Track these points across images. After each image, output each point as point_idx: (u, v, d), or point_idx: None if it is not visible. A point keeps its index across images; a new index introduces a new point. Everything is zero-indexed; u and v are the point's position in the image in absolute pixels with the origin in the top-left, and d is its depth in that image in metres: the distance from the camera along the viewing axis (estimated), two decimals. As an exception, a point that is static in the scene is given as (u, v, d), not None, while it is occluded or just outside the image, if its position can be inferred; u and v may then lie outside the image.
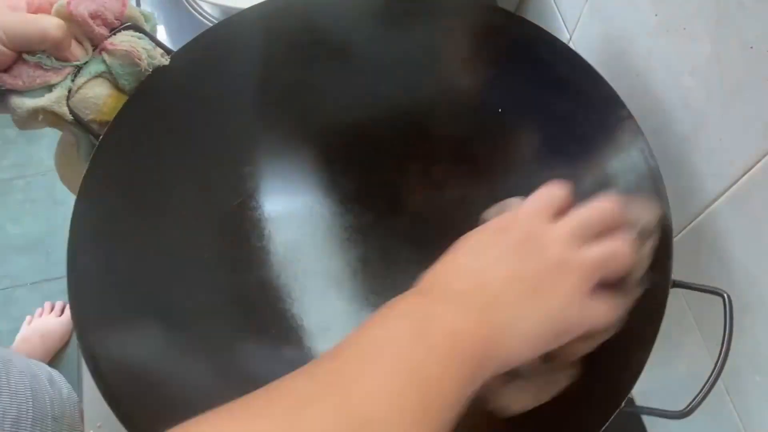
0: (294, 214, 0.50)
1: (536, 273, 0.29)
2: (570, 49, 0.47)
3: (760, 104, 0.36)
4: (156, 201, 0.45)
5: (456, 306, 0.27)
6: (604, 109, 0.44)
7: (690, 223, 0.44)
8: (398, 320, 0.26)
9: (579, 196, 0.45)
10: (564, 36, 0.59)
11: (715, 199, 0.41)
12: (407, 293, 0.29)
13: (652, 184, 0.41)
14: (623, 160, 0.43)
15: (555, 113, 0.47)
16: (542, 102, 0.48)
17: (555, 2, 0.61)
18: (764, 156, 0.36)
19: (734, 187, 0.39)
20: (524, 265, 0.29)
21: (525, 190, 0.48)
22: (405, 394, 0.22)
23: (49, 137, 1.45)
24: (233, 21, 0.48)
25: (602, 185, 0.44)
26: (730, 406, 0.44)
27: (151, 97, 0.45)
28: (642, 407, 0.37)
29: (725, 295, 0.37)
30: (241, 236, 0.49)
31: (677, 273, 0.47)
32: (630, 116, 0.43)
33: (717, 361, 0.35)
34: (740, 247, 0.40)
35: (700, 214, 0.43)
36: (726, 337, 0.36)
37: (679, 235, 0.46)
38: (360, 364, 0.23)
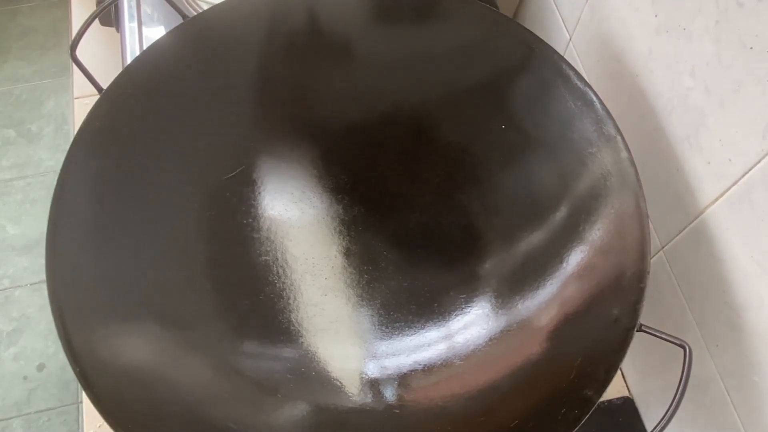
0: (284, 195, 0.50)
1: None
2: (562, 59, 0.47)
3: (760, 105, 0.36)
4: (142, 191, 0.45)
5: None
6: (593, 121, 0.45)
7: (690, 223, 0.44)
8: None
9: (571, 199, 0.46)
10: (564, 36, 0.59)
11: (716, 200, 0.41)
12: None
13: (632, 193, 0.42)
14: (609, 169, 0.44)
15: (548, 119, 0.48)
16: (536, 107, 0.48)
17: (555, 3, 0.61)
18: (764, 156, 0.36)
19: (734, 187, 0.39)
20: None
21: (515, 198, 0.49)
22: None
23: (49, 137, 1.45)
24: (224, 8, 0.48)
25: (591, 183, 0.44)
26: (730, 406, 0.44)
27: (140, 77, 0.45)
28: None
29: (686, 347, 0.38)
30: (228, 211, 0.48)
31: (677, 273, 0.47)
32: (617, 132, 0.43)
33: (669, 408, 0.36)
34: (739, 247, 0.40)
35: (700, 215, 0.43)
36: (681, 386, 0.36)
37: (680, 235, 0.46)
38: None
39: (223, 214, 0.48)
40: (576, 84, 0.46)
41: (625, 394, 0.57)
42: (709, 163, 0.41)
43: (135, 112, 0.46)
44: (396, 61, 0.52)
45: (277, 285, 0.47)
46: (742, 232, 0.40)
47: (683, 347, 0.38)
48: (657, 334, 0.38)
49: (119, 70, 0.46)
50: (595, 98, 0.45)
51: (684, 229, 0.45)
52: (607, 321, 0.40)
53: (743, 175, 0.38)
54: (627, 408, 0.56)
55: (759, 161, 0.37)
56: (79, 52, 0.45)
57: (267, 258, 0.48)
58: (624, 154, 0.43)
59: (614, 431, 0.55)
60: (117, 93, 0.45)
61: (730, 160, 0.39)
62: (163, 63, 0.47)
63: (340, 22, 0.51)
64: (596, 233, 0.44)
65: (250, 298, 0.46)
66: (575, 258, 0.45)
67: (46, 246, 0.39)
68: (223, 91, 0.49)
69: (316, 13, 0.50)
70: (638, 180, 0.42)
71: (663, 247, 0.48)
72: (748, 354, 0.41)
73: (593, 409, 0.37)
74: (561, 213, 0.47)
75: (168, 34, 0.47)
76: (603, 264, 0.43)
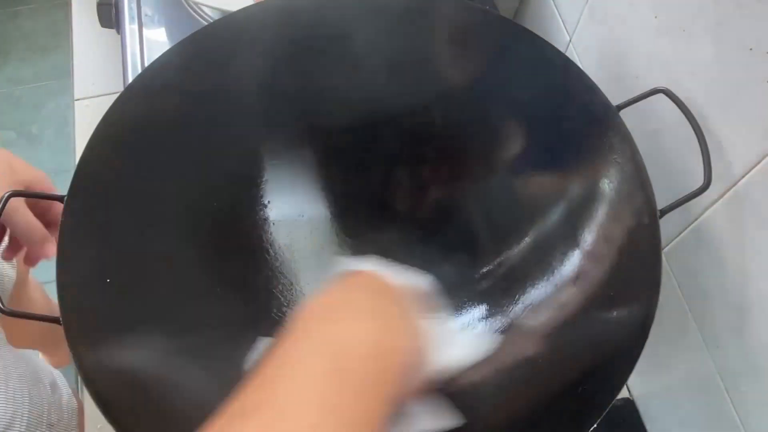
0: (290, 203, 0.50)
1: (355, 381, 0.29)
2: (561, 54, 0.47)
3: (760, 106, 0.36)
4: (150, 197, 0.45)
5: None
6: (592, 114, 0.45)
7: (690, 224, 0.44)
8: None
9: (568, 200, 0.46)
10: (564, 38, 0.59)
11: (715, 201, 0.41)
12: (227, 420, 0.27)
13: (639, 184, 0.41)
14: (609, 162, 0.43)
15: (546, 118, 0.48)
16: (534, 106, 0.48)
17: (555, 4, 0.61)
18: (764, 157, 0.36)
19: (734, 188, 0.39)
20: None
21: (517, 199, 0.49)
22: None
23: (50, 139, 1.45)
24: (231, 19, 0.48)
25: (589, 186, 0.44)
26: (730, 406, 0.44)
27: (146, 93, 0.45)
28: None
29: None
30: (235, 219, 0.49)
31: (677, 274, 0.47)
32: (618, 120, 0.43)
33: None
34: (739, 248, 0.40)
35: (700, 216, 0.43)
36: None
37: (680, 236, 0.46)
38: None
39: (230, 222, 0.49)
40: (581, 83, 0.46)
41: (625, 395, 0.57)
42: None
43: (143, 120, 0.46)
44: (397, 64, 0.52)
45: (283, 290, 0.47)
46: (742, 233, 0.40)
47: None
48: None
49: (120, 71, 0.46)
50: (600, 97, 0.45)
51: (684, 230, 0.45)
52: (617, 324, 0.40)
53: (743, 176, 0.38)
54: (627, 409, 0.56)
55: (759, 162, 0.37)
56: (80, 54, 0.45)
57: (275, 264, 0.48)
58: (629, 152, 0.43)
59: (613, 430, 0.55)
60: (131, 99, 0.45)
61: (730, 161, 0.39)
62: (172, 71, 0.47)
63: (343, 26, 0.51)
64: (598, 235, 0.44)
65: (256, 304, 0.47)
66: (576, 260, 0.45)
67: (57, 253, 0.39)
68: (230, 101, 0.49)
69: (321, 21, 0.50)
70: (647, 179, 0.41)
71: (663, 248, 0.48)
72: (748, 354, 0.41)
73: (603, 415, 0.36)
74: (561, 214, 0.47)
75: (178, 44, 0.47)
76: (608, 265, 0.43)
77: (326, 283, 0.37)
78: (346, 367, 0.30)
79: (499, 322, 0.45)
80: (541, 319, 0.44)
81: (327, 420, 0.27)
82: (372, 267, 0.39)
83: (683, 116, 0.40)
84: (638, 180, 0.41)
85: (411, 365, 0.34)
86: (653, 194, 0.41)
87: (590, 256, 0.44)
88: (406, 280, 0.39)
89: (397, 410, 0.34)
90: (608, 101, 0.44)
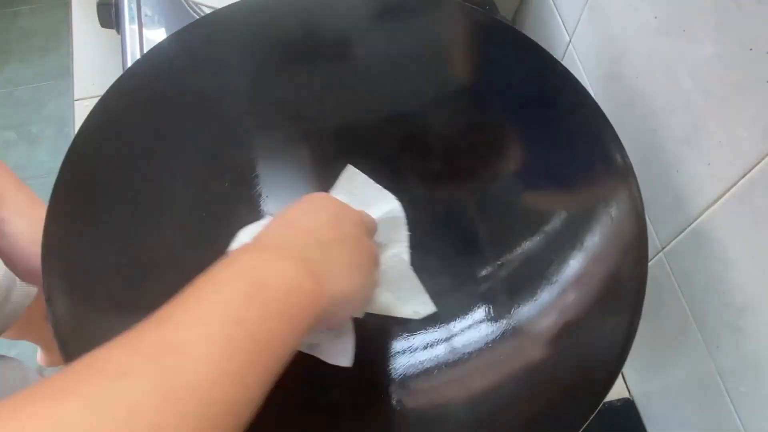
0: (284, 201, 0.50)
1: (354, 240, 0.34)
2: (556, 61, 0.47)
3: (760, 106, 0.36)
4: (143, 191, 0.45)
5: (294, 262, 0.29)
6: (586, 120, 0.45)
7: (690, 225, 0.44)
8: (233, 282, 0.27)
9: (569, 203, 0.46)
10: (564, 38, 0.59)
11: (715, 201, 0.41)
12: (243, 251, 0.30)
13: (625, 182, 0.42)
14: (601, 163, 0.44)
15: (542, 121, 0.48)
16: (530, 110, 0.48)
17: (555, 4, 0.61)
18: (764, 157, 0.36)
19: (734, 188, 0.39)
20: (345, 231, 0.34)
21: (515, 204, 0.49)
22: (235, 357, 0.23)
23: (50, 139, 1.45)
24: (224, 13, 0.48)
25: (587, 194, 0.45)
26: (730, 406, 0.44)
27: (135, 86, 0.45)
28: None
29: None
30: (228, 216, 0.48)
31: (677, 274, 0.47)
32: (615, 137, 0.43)
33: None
34: (739, 249, 0.40)
35: (699, 216, 0.43)
36: None
37: (679, 237, 0.46)
38: (188, 331, 0.23)
39: (226, 216, 0.48)
40: (574, 87, 0.46)
41: (625, 395, 0.57)
42: (708, 164, 0.41)
43: (136, 114, 0.46)
44: (393, 65, 0.52)
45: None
46: (742, 233, 0.40)
47: None
48: None
49: (120, 71, 0.46)
50: (593, 101, 0.45)
51: (684, 230, 0.45)
52: (607, 326, 0.40)
53: (743, 176, 0.38)
54: (627, 409, 0.56)
55: (759, 162, 0.37)
56: (80, 54, 0.45)
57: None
58: (620, 160, 0.43)
59: (612, 429, 0.55)
60: (118, 94, 0.45)
61: (730, 161, 0.39)
62: (164, 66, 0.47)
63: (340, 26, 0.51)
64: (594, 239, 0.44)
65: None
66: (573, 263, 0.45)
67: (41, 245, 0.39)
68: (222, 95, 0.49)
69: (314, 17, 0.50)
70: (637, 186, 0.42)
71: (663, 249, 0.48)
72: (748, 355, 0.41)
73: (595, 413, 0.37)
74: (559, 217, 0.47)
75: (169, 37, 0.47)
76: (601, 269, 0.43)
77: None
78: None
79: (503, 325, 0.45)
80: (544, 324, 0.44)
81: None
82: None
83: None
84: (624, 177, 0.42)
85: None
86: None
87: (593, 258, 0.44)
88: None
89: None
90: (599, 109, 0.44)
